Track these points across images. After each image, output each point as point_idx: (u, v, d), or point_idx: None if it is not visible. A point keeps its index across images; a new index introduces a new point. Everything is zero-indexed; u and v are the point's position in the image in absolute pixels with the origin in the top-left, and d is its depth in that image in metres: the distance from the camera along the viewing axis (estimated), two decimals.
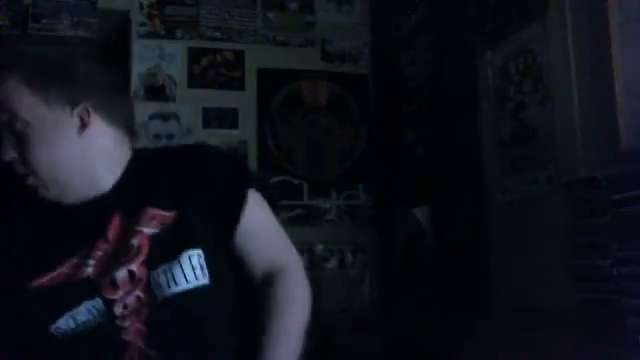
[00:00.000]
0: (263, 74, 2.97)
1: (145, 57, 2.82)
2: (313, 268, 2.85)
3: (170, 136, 2.79)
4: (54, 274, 1.02)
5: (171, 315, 1.05)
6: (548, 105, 1.73)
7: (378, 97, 3.05)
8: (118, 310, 1.02)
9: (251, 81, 2.96)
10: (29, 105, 1.05)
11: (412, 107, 2.64)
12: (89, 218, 1.07)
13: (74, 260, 1.04)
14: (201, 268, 1.07)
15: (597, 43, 1.53)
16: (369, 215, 2.98)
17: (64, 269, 1.03)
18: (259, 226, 1.15)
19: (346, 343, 2.32)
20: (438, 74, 2.41)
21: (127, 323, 1.02)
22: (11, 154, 1.06)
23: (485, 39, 2.04)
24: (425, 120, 2.51)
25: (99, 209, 1.07)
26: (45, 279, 1.02)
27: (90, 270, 1.03)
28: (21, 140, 1.05)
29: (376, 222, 2.94)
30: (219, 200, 1.11)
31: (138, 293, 1.03)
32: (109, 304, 1.02)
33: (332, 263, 2.87)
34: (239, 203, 1.12)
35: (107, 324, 1.02)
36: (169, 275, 1.05)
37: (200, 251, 1.07)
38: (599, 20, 1.51)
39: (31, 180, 1.06)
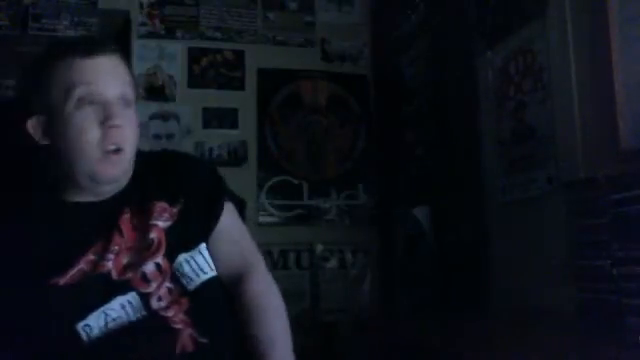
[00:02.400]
0: (263, 74, 2.98)
1: (145, 57, 2.82)
2: (313, 268, 2.85)
3: (170, 136, 2.79)
4: (74, 271, 1.03)
5: (208, 302, 1.12)
6: (548, 105, 1.72)
7: (378, 97, 3.05)
8: (154, 303, 1.06)
9: (251, 81, 2.96)
10: (130, 82, 1.12)
11: (412, 107, 2.64)
12: (101, 214, 1.09)
13: (90, 256, 1.05)
14: (211, 259, 1.16)
15: (597, 43, 1.53)
16: (369, 215, 2.98)
17: (82, 265, 1.04)
18: (230, 230, 1.23)
19: (346, 343, 2.32)
20: (438, 74, 2.41)
21: (171, 313, 1.07)
22: (120, 120, 1.06)
23: (485, 39, 2.04)
24: (425, 120, 2.51)
25: (110, 205, 1.10)
26: (67, 277, 1.03)
27: (110, 265, 1.06)
28: (124, 112, 1.08)
29: (376, 222, 2.94)
30: (203, 203, 1.18)
31: (167, 284, 1.08)
32: (145, 298, 1.06)
33: (332, 263, 2.87)
34: (218, 210, 1.20)
35: (148, 317, 1.05)
36: (193, 264, 1.12)
37: (205, 244, 1.16)
38: (599, 20, 1.51)
39: (120, 156, 1.07)
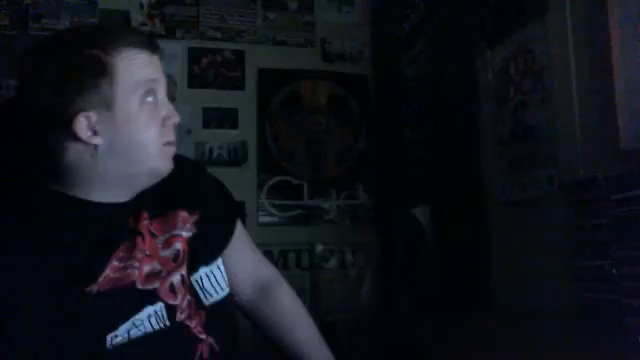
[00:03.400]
0: (263, 74, 2.98)
1: None
2: (313, 268, 2.85)
3: None
4: (102, 278, 0.97)
5: (222, 317, 1.12)
6: (548, 105, 1.72)
7: (378, 97, 3.05)
8: (178, 315, 1.04)
9: (251, 81, 2.96)
10: None
11: (412, 107, 2.64)
12: (123, 217, 1.03)
13: (114, 263, 0.99)
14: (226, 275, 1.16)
15: (597, 43, 1.53)
16: (369, 215, 2.98)
17: (108, 272, 0.98)
18: (249, 241, 1.28)
19: (346, 343, 2.31)
20: (438, 74, 2.40)
21: (193, 324, 1.06)
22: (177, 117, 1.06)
23: (485, 39, 2.04)
24: (425, 120, 2.51)
25: (130, 207, 1.05)
26: (98, 284, 0.96)
27: (136, 273, 1.01)
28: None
29: (376, 222, 2.95)
30: (219, 215, 1.19)
31: (188, 297, 1.06)
32: (172, 310, 1.03)
33: (332, 263, 2.87)
34: (234, 223, 1.22)
35: (172, 328, 1.03)
36: (213, 280, 1.11)
37: (221, 259, 1.16)
38: (599, 20, 1.51)
39: (172, 148, 1.06)
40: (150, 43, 1.02)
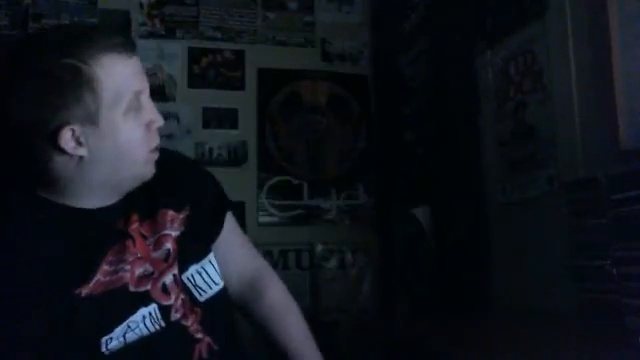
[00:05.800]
0: (263, 74, 2.98)
1: (145, 57, 2.81)
2: (313, 268, 2.85)
3: (170, 136, 2.79)
4: (93, 282, 0.96)
5: (219, 311, 1.11)
6: (548, 105, 1.72)
7: (378, 97, 3.05)
8: (173, 314, 1.04)
9: (251, 81, 2.96)
10: None
11: (412, 107, 2.64)
12: (111, 221, 1.02)
13: (105, 267, 0.98)
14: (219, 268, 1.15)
15: (597, 43, 1.53)
16: (369, 215, 2.98)
17: (99, 277, 0.97)
18: (238, 235, 1.26)
19: (346, 343, 2.31)
20: (438, 74, 2.41)
21: (189, 322, 1.05)
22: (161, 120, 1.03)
23: (485, 39, 2.04)
24: (425, 120, 2.51)
25: (118, 211, 1.03)
26: (90, 287, 0.96)
27: (128, 276, 1.00)
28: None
29: (376, 222, 2.95)
30: (209, 211, 1.17)
31: (182, 296, 1.06)
32: (166, 310, 1.03)
33: (332, 263, 2.87)
34: (223, 217, 1.21)
35: (167, 328, 1.03)
36: (205, 276, 1.10)
37: (212, 253, 1.15)
38: (599, 20, 1.51)
39: (156, 154, 1.03)
40: (126, 44, 0.97)
